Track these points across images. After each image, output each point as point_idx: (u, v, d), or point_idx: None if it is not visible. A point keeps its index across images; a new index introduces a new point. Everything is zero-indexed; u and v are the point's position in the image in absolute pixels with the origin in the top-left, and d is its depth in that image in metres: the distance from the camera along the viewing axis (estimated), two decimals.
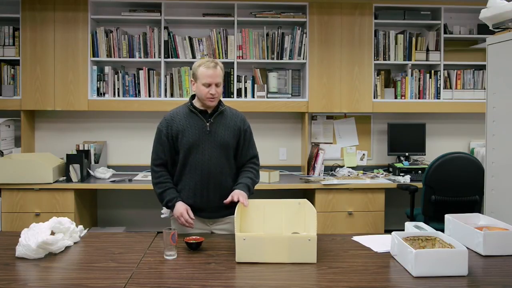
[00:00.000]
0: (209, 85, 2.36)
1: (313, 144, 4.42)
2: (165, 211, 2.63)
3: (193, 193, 2.41)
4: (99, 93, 4.12)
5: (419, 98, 4.26)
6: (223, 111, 2.46)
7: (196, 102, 2.46)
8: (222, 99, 2.53)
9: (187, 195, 2.41)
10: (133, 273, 1.82)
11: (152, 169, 2.47)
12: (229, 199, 2.30)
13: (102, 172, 4.00)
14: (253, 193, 2.45)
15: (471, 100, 4.24)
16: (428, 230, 2.17)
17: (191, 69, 4.20)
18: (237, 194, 2.30)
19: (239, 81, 4.18)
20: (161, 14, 4.08)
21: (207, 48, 4.16)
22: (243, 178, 2.44)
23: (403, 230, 2.26)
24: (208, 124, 2.41)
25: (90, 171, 4.00)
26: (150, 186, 3.78)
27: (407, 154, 4.30)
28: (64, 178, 3.85)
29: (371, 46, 4.16)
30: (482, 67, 4.21)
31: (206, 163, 2.39)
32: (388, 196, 3.93)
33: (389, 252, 2.05)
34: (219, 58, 4.13)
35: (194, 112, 2.43)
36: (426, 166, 3.68)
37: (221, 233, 2.45)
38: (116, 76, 4.15)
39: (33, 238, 1.97)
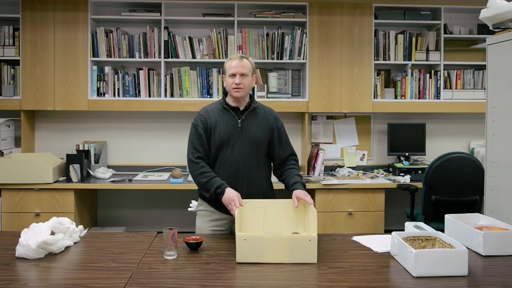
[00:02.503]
0: (234, 76, 2.38)
1: (313, 144, 4.42)
2: (193, 205, 2.65)
3: None
4: (99, 93, 4.12)
5: (419, 98, 4.26)
6: (255, 108, 2.47)
7: (228, 99, 2.48)
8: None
9: None
10: (133, 273, 1.82)
11: (191, 162, 2.42)
12: (296, 203, 2.27)
13: (102, 172, 4.00)
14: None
15: (471, 100, 4.24)
16: (428, 230, 2.17)
17: (191, 69, 4.26)
18: (301, 195, 2.28)
19: None
20: (161, 14, 4.07)
21: (207, 48, 4.16)
22: (294, 177, 2.43)
23: (403, 230, 2.26)
24: (240, 121, 2.42)
25: (90, 171, 4.00)
26: (150, 186, 3.84)
27: (407, 154, 4.30)
28: (64, 178, 3.85)
29: (371, 46, 4.16)
30: (482, 67, 4.21)
31: (234, 160, 2.39)
32: (388, 196, 3.93)
33: (389, 252, 2.05)
34: (219, 58, 4.13)
35: (227, 108, 2.44)
36: (426, 166, 3.68)
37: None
38: (116, 76, 4.15)
39: (33, 238, 1.97)
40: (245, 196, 2.32)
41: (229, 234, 2.43)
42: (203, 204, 2.51)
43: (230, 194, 2.28)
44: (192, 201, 2.74)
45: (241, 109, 2.45)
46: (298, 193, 2.31)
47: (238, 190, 2.34)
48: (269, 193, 2.52)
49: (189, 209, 2.74)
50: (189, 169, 2.46)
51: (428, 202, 3.50)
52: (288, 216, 2.27)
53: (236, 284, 1.79)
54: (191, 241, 2.10)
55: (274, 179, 2.58)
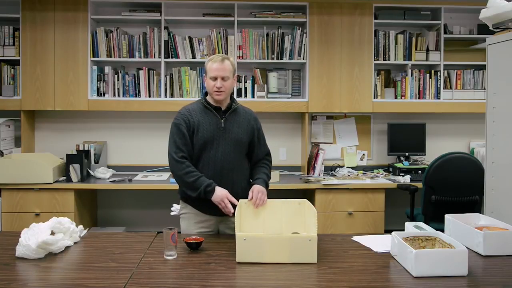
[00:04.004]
0: (215, 79, 2.38)
1: (313, 144, 4.42)
2: (175, 208, 2.64)
3: None
4: (99, 93, 4.12)
5: (419, 98, 4.26)
6: (236, 108, 2.49)
7: (209, 98, 2.48)
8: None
9: None
10: (133, 273, 1.82)
11: (175, 161, 2.39)
12: (250, 195, 2.32)
13: (102, 172, 4.00)
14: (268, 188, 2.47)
15: (471, 100, 4.24)
16: (428, 230, 2.17)
17: (191, 69, 4.26)
18: (257, 190, 2.33)
19: (239, 81, 4.18)
20: (161, 14, 4.07)
21: (207, 48, 4.16)
22: (260, 174, 2.48)
23: (403, 230, 2.26)
24: (222, 120, 2.43)
25: (90, 171, 4.00)
26: (150, 186, 3.84)
27: (407, 154, 4.30)
28: (64, 178, 3.85)
29: (371, 46, 4.16)
30: (482, 67, 4.21)
31: (219, 159, 2.39)
32: (388, 196, 3.93)
33: (389, 252, 2.05)
34: None
35: (209, 108, 2.44)
36: (426, 166, 3.68)
37: (229, 232, 2.43)
38: (116, 76, 4.15)
39: (33, 238, 1.97)
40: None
41: (217, 234, 2.43)
42: (186, 207, 2.49)
43: (221, 193, 2.31)
44: (174, 204, 2.69)
45: (222, 109, 2.46)
46: (255, 187, 2.36)
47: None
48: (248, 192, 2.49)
49: (172, 213, 2.68)
50: (172, 169, 2.44)
51: (428, 202, 3.50)
52: (288, 216, 2.27)
53: (236, 284, 1.79)
54: (191, 241, 2.10)
55: None
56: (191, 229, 2.46)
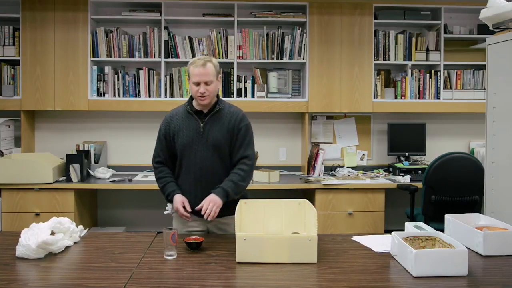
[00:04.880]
0: (198, 84, 2.33)
1: (313, 144, 4.42)
2: (169, 208, 2.65)
3: (188, 194, 2.41)
4: (99, 93, 4.12)
5: (419, 98, 4.26)
6: (219, 110, 2.42)
7: (194, 102, 2.46)
8: (223, 98, 2.53)
9: (184, 196, 2.42)
10: (133, 273, 1.82)
11: (153, 166, 2.51)
12: (199, 206, 2.26)
13: (102, 172, 4.00)
14: (235, 197, 2.35)
15: (471, 100, 4.24)
16: (428, 230, 2.17)
17: None
18: (209, 201, 2.25)
19: (239, 81, 4.18)
20: (161, 14, 4.08)
21: (207, 48, 4.16)
22: (225, 181, 2.34)
23: (403, 230, 2.26)
24: (202, 124, 2.39)
25: (90, 171, 4.00)
26: (150, 186, 3.83)
27: (407, 154, 4.30)
28: (64, 178, 3.85)
29: (371, 46, 4.16)
30: (482, 67, 4.21)
31: (198, 164, 2.38)
32: (388, 196, 3.93)
33: (389, 252, 2.05)
34: (219, 58, 4.12)
35: (190, 112, 2.42)
36: (426, 166, 3.68)
37: (218, 232, 2.45)
38: (116, 76, 4.15)
39: (33, 238, 1.97)
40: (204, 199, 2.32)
41: (207, 234, 2.42)
42: None
43: (177, 202, 2.35)
44: (168, 204, 2.68)
45: (204, 112, 2.41)
46: (208, 197, 2.28)
47: (205, 194, 2.33)
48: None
49: (165, 212, 2.69)
50: None
51: (428, 202, 3.50)
52: (288, 216, 2.27)
53: (236, 284, 1.79)
54: (191, 241, 2.10)
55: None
56: (181, 227, 2.46)
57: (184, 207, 2.34)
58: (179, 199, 2.36)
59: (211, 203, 2.25)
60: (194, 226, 2.45)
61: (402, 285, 1.73)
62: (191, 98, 2.48)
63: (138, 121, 4.37)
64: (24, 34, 4.00)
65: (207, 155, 2.37)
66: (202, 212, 2.24)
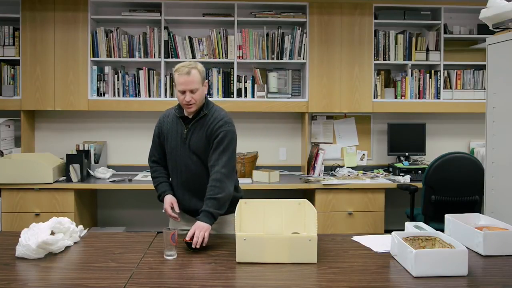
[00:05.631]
0: (183, 92, 2.29)
1: (313, 144, 4.42)
2: None
3: (178, 194, 2.45)
4: (99, 93, 4.12)
5: (419, 98, 4.26)
6: (204, 116, 2.35)
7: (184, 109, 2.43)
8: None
9: (175, 196, 2.46)
10: (133, 273, 1.82)
11: (149, 166, 2.55)
12: (188, 236, 2.10)
13: (102, 172, 4.00)
14: (222, 211, 2.26)
15: (471, 100, 4.24)
16: (428, 230, 2.17)
17: None
18: (199, 230, 2.11)
19: (239, 81, 4.18)
20: (161, 14, 4.08)
21: (207, 48, 4.16)
22: (205, 202, 2.23)
23: (403, 230, 2.26)
24: (185, 131, 2.37)
25: (90, 171, 4.00)
26: (150, 186, 3.78)
27: (407, 154, 4.30)
28: (64, 178, 3.85)
29: (371, 46, 4.16)
30: (482, 67, 4.21)
31: (183, 169, 2.38)
32: (388, 196, 3.93)
33: (389, 252, 2.05)
34: (219, 58, 4.13)
35: (178, 117, 2.41)
36: (426, 166, 3.68)
37: (212, 232, 2.41)
38: (116, 76, 4.15)
39: (33, 238, 1.97)
40: (198, 202, 2.31)
41: (219, 234, 2.41)
42: None
43: (166, 203, 2.39)
44: None
45: (190, 117, 2.38)
46: (195, 225, 2.14)
47: (192, 197, 2.39)
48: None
49: (163, 210, 2.70)
50: None
51: (428, 202, 3.50)
52: (288, 216, 2.27)
53: (236, 284, 1.79)
54: (191, 241, 2.10)
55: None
56: (177, 227, 2.44)
57: (173, 208, 2.37)
58: (168, 200, 2.39)
59: (198, 231, 2.10)
60: (189, 225, 2.43)
61: (402, 285, 1.73)
62: None
63: (138, 121, 4.37)
64: (24, 34, 4.00)
65: (190, 161, 2.37)
66: (193, 244, 2.08)
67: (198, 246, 2.07)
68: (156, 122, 2.51)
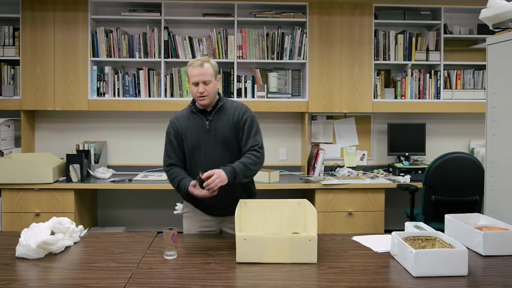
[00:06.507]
0: (197, 84, 2.35)
1: (313, 144, 4.42)
2: (178, 207, 2.66)
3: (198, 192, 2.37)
4: (99, 93, 4.12)
5: (419, 98, 4.26)
6: (222, 106, 2.43)
7: (197, 102, 2.46)
8: (224, 97, 2.53)
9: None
10: (133, 273, 1.82)
11: (164, 170, 2.47)
12: (207, 173, 2.17)
13: (102, 172, 4.00)
14: (243, 180, 2.33)
15: (471, 100, 4.24)
16: (428, 230, 2.17)
17: None
18: (217, 175, 2.16)
19: (239, 81, 4.18)
20: (161, 14, 4.08)
21: (207, 48, 4.16)
22: (235, 163, 2.30)
23: (403, 230, 2.26)
24: (207, 122, 2.40)
25: (90, 171, 4.00)
26: (150, 186, 3.84)
27: (407, 154, 4.30)
28: (64, 178, 3.85)
29: (371, 46, 4.16)
30: (482, 67, 4.21)
31: (209, 161, 2.36)
32: (388, 196, 3.93)
33: (389, 252, 2.05)
34: (219, 58, 4.13)
35: (195, 112, 2.43)
36: (426, 166, 3.68)
37: (231, 232, 2.41)
38: (116, 76, 4.15)
39: (33, 238, 1.97)
40: (224, 196, 2.28)
41: (219, 234, 2.44)
42: (188, 206, 2.52)
43: (193, 192, 2.24)
44: (177, 203, 2.70)
45: (208, 110, 2.43)
46: (216, 170, 2.18)
47: (217, 192, 2.27)
48: (252, 190, 2.51)
49: (175, 212, 2.70)
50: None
51: (428, 202, 3.50)
52: (288, 216, 2.27)
53: (236, 284, 1.79)
54: (205, 180, 2.11)
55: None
56: (194, 228, 2.47)
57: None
58: (192, 185, 2.26)
59: (216, 176, 2.16)
60: (207, 226, 2.46)
61: (402, 285, 1.73)
62: (194, 99, 2.49)
63: (138, 121, 4.37)
64: (24, 34, 4.00)
65: (217, 152, 2.37)
66: (205, 185, 2.16)
67: (209, 195, 2.15)
68: (168, 126, 2.47)
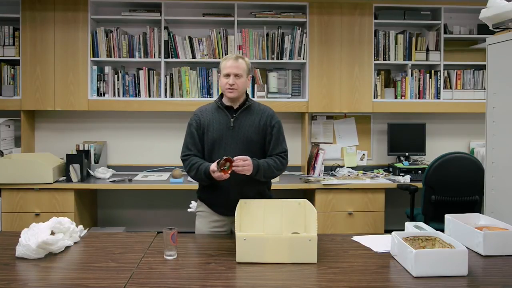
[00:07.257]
0: (228, 76, 2.36)
1: (313, 144, 4.42)
2: (193, 206, 2.67)
3: (219, 189, 2.38)
4: (99, 93, 4.12)
5: (419, 98, 4.26)
6: (249, 106, 2.44)
7: (224, 98, 2.47)
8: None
9: (209, 192, 2.43)
10: (133, 273, 1.82)
11: (182, 161, 2.45)
12: (241, 156, 2.23)
13: (102, 172, 4.00)
14: (262, 179, 2.37)
15: (471, 100, 4.24)
16: (428, 230, 2.17)
17: (191, 69, 4.26)
18: (246, 161, 2.23)
19: None
20: (161, 14, 4.08)
21: (207, 48, 4.16)
22: (261, 160, 2.36)
23: (403, 230, 2.26)
24: (232, 120, 2.40)
25: (90, 171, 4.00)
26: (150, 186, 3.84)
27: (407, 154, 4.30)
28: (64, 178, 3.85)
29: (371, 46, 4.16)
30: (482, 67, 4.21)
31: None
32: (388, 196, 3.93)
33: (389, 252, 2.05)
34: (219, 58, 4.12)
35: (221, 107, 2.44)
36: (426, 166, 3.68)
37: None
38: (116, 76, 4.15)
39: (33, 238, 1.97)
40: (238, 196, 2.30)
41: (229, 235, 2.43)
42: (202, 205, 2.52)
43: (214, 174, 2.25)
44: (192, 201, 2.75)
45: (234, 107, 2.44)
46: (248, 160, 2.25)
47: (231, 190, 2.34)
48: (266, 193, 2.50)
49: (189, 209, 2.76)
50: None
51: (428, 202, 3.50)
52: (288, 216, 2.27)
53: (236, 284, 1.79)
54: (227, 163, 2.16)
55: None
56: (205, 227, 2.47)
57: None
58: (213, 166, 2.26)
59: (248, 162, 2.23)
60: (219, 226, 2.46)
61: (402, 285, 1.73)
62: (221, 96, 2.49)
63: (138, 121, 4.37)
64: (24, 34, 4.00)
65: (237, 150, 2.35)
66: (235, 159, 2.21)
67: (234, 169, 2.21)
68: (191, 118, 2.47)
